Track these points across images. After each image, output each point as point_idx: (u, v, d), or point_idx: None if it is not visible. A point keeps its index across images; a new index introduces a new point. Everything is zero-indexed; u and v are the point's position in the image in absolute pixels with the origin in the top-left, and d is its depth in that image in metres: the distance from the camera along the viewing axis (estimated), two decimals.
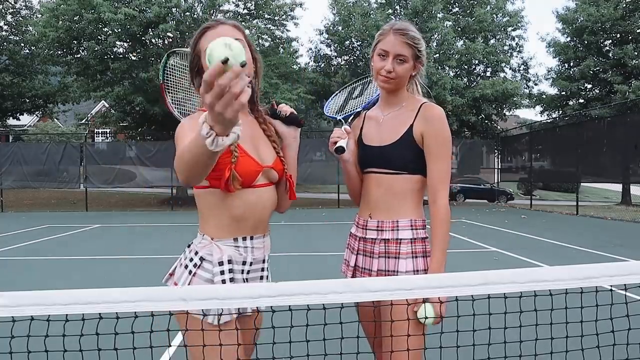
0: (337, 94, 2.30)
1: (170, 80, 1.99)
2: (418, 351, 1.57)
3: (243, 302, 1.13)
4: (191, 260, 1.57)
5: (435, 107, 1.82)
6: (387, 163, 1.82)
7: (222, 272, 1.51)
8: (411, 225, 1.79)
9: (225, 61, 0.94)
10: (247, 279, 1.58)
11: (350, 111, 2.10)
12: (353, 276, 1.85)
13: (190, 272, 1.54)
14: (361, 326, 1.88)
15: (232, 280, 1.53)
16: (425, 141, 1.78)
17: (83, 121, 28.02)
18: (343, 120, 2.04)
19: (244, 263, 1.56)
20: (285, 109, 1.77)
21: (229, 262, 1.54)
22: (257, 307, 1.55)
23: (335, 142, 1.85)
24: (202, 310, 1.43)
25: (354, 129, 2.01)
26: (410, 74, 1.86)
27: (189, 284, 1.52)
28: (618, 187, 21.79)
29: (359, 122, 2.02)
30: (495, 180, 21.71)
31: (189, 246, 1.62)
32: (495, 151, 21.62)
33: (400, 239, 1.78)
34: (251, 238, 1.59)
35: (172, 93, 1.98)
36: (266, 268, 1.67)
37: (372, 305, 1.75)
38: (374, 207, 1.84)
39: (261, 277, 1.64)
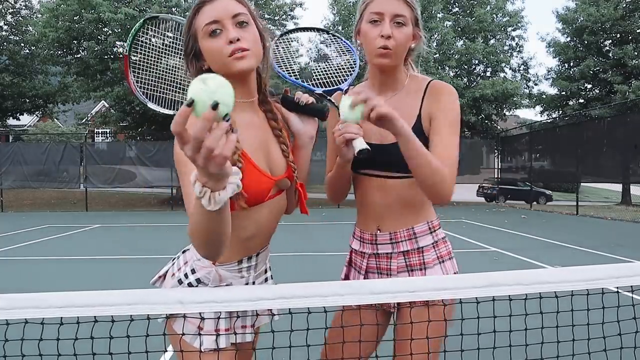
0: (276, 46, 1.64)
1: (142, 54, 1.55)
2: (437, 354, 1.43)
3: (241, 305, 1.10)
4: (186, 276, 1.36)
5: (443, 84, 1.50)
6: (393, 165, 1.47)
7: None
8: (429, 229, 1.55)
9: (190, 104, 0.77)
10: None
11: (330, 83, 1.56)
12: None
13: (180, 280, 1.37)
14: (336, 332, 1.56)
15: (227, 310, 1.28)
16: (433, 118, 1.46)
17: (83, 121, 28.02)
18: (327, 101, 1.51)
19: (246, 284, 1.38)
20: (305, 97, 1.40)
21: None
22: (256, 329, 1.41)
23: (351, 140, 1.35)
24: (199, 335, 1.28)
25: (334, 113, 1.51)
26: (409, 45, 1.50)
27: None
28: (618, 187, 21.78)
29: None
30: (495, 176, 21.70)
31: (184, 252, 1.43)
32: (495, 151, 21.61)
33: (422, 247, 1.52)
34: (257, 255, 1.39)
35: (140, 71, 1.55)
36: (270, 276, 1.50)
37: (375, 308, 1.55)
38: (381, 218, 1.54)
39: None
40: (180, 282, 1.36)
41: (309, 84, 1.56)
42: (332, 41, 1.68)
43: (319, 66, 1.62)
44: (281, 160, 1.36)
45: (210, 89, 0.80)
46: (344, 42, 1.67)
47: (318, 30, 1.74)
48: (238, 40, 1.22)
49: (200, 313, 1.27)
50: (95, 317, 1.12)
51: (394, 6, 1.42)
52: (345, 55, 1.64)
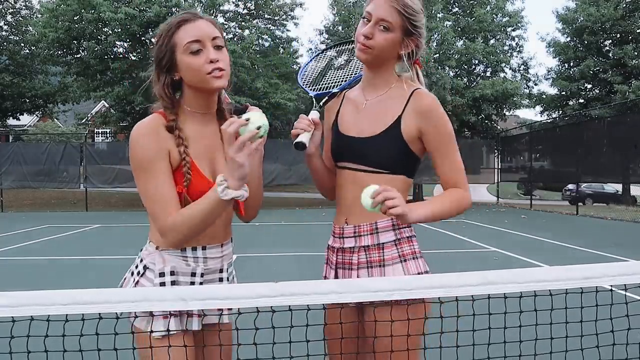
0: (316, 56, 1.87)
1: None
2: (417, 351, 1.45)
3: (242, 302, 1.13)
4: (136, 267, 1.49)
5: (428, 97, 1.55)
6: (365, 159, 1.54)
7: (162, 284, 1.41)
8: (392, 225, 1.53)
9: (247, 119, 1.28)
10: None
11: (328, 87, 1.74)
12: None
13: (134, 279, 1.47)
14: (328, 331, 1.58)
15: None
16: (427, 139, 1.52)
17: (83, 121, 28.03)
18: (315, 100, 1.67)
19: (193, 274, 1.45)
20: (295, 131, 1.53)
21: (173, 273, 1.42)
22: (221, 320, 1.50)
23: (297, 135, 1.54)
24: (151, 324, 1.36)
25: (329, 110, 1.70)
26: (397, 51, 1.54)
27: None
28: (618, 187, 21.78)
29: (336, 104, 1.69)
30: (496, 180, 21.71)
31: (142, 250, 1.53)
32: (495, 151, 21.62)
33: (382, 244, 1.52)
34: (203, 248, 1.47)
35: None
36: (226, 278, 1.53)
37: (357, 306, 1.54)
38: (349, 210, 1.56)
39: None
40: (132, 274, 1.49)
41: (310, 89, 1.75)
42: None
43: (336, 73, 1.78)
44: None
45: (260, 118, 1.29)
46: None
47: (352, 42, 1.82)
48: (217, 61, 1.39)
49: (151, 324, 1.39)
50: (100, 314, 1.15)
51: (382, 11, 1.49)
52: (344, 70, 1.77)
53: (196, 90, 1.44)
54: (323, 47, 23.26)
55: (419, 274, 1.51)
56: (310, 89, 1.75)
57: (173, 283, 1.42)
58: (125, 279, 1.52)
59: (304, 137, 1.53)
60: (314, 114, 1.60)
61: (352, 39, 1.72)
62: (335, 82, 1.75)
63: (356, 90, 1.67)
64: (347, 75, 1.77)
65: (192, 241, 1.44)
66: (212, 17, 17.93)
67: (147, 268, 1.46)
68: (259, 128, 1.25)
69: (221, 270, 1.52)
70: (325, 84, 1.76)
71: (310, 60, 1.88)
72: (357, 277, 1.52)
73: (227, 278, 1.54)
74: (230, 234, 1.58)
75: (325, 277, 1.65)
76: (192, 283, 1.44)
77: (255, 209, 1.59)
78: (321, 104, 1.66)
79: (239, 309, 1.25)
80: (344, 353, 1.53)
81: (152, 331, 1.35)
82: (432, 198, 1.57)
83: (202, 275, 1.46)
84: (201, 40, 1.38)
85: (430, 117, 1.52)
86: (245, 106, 1.53)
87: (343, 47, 1.86)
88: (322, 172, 1.67)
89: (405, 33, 1.52)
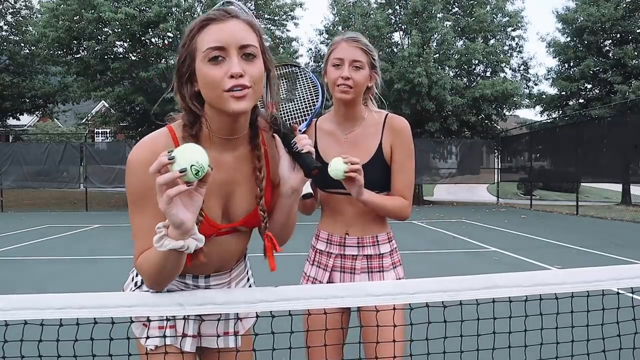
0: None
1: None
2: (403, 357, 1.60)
3: (241, 307, 1.10)
4: (137, 274, 1.38)
5: (401, 119, 1.82)
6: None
7: None
8: (388, 238, 1.84)
9: (171, 158, 0.96)
10: (200, 315, 1.31)
11: (291, 122, 1.75)
12: None
13: (131, 289, 1.38)
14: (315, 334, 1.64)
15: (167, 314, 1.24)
16: (394, 153, 1.78)
17: (83, 121, 28.00)
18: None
19: None
20: (303, 143, 1.23)
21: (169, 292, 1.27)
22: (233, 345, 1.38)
23: None
24: (147, 335, 1.30)
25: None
26: (367, 84, 1.79)
27: None
28: (618, 187, 21.76)
29: (310, 136, 1.81)
30: (496, 180, 21.68)
31: None
32: (495, 151, 21.59)
33: (382, 254, 1.81)
34: (206, 277, 1.33)
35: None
36: None
37: (341, 311, 1.72)
38: (349, 224, 1.81)
39: (220, 314, 1.33)
40: (132, 279, 1.41)
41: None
42: (299, 75, 1.79)
43: (287, 106, 1.76)
44: (245, 204, 1.26)
45: (189, 157, 0.96)
46: (309, 74, 1.80)
47: (287, 65, 1.85)
48: (241, 76, 1.08)
49: (166, 317, 1.29)
50: (95, 318, 1.12)
51: (352, 53, 1.72)
52: (310, 89, 1.76)
53: (216, 110, 1.15)
54: (323, 47, 23.29)
55: (403, 277, 1.83)
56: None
57: None
58: (126, 283, 1.45)
59: (308, 188, 1.63)
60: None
61: (286, 64, 1.82)
62: (296, 117, 1.73)
63: (328, 124, 1.85)
64: (304, 108, 1.75)
65: (192, 271, 1.30)
66: None
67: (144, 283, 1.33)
68: (183, 171, 0.94)
69: None
70: (287, 120, 1.74)
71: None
72: (359, 280, 1.77)
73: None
74: (244, 254, 1.45)
75: (315, 279, 1.85)
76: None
77: (280, 243, 1.32)
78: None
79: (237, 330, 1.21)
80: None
81: (148, 337, 1.31)
82: (380, 194, 1.78)
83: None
84: (225, 48, 1.09)
85: (402, 134, 1.79)
86: (293, 127, 1.29)
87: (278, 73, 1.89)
88: (310, 204, 1.84)
89: (371, 67, 1.78)
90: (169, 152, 0.95)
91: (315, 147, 1.78)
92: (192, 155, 0.96)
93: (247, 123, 1.23)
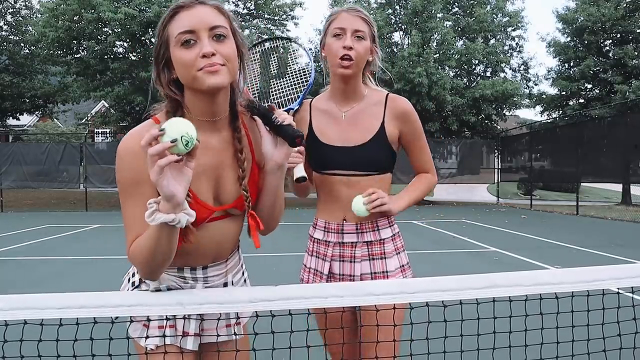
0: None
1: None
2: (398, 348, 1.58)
3: (241, 306, 1.10)
4: (133, 275, 1.39)
5: (403, 100, 1.76)
6: (358, 165, 1.70)
7: None
8: (389, 223, 1.76)
9: (161, 130, 0.99)
10: (201, 315, 1.33)
11: (283, 102, 1.79)
12: None
13: (129, 289, 1.38)
14: (322, 333, 1.68)
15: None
16: (408, 139, 1.75)
17: (83, 121, 28.00)
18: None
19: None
20: (282, 116, 1.27)
21: (169, 289, 1.29)
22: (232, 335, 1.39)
23: (291, 168, 1.59)
24: (146, 334, 1.30)
25: (298, 122, 1.74)
26: (367, 58, 1.72)
27: None
28: (618, 187, 21.75)
29: (305, 115, 1.78)
30: (496, 180, 21.69)
31: None
32: (495, 151, 21.59)
33: (383, 239, 1.74)
34: (204, 268, 1.35)
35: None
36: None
37: (342, 310, 1.59)
38: (346, 209, 1.70)
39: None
40: (129, 280, 1.40)
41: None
42: (290, 50, 1.84)
43: (278, 83, 1.79)
44: (234, 187, 1.30)
45: (179, 129, 0.99)
46: (301, 46, 1.85)
47: (276, 39, 1.89)
48: (213, 55, 1.15)
49: (166, 316, 1.29)
50: (94, 318, 1.12)
51: (354, 22, 1.64)
52: (300, 63, 1.82)
53: (194, 92, 1.21)
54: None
55: (407, 263, 1.78)
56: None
57: None
58: (123, 284, 1.45)
59: (301, 171, 1.58)
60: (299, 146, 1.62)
61: (272, 36, 1.86)
62: (288, 94, 1.80)
63: (324, 101, 1.78)
64: (295, 84, 1.80)
65: (188, 263, 1.31)
66: None
67: (143, 282, 1.35)
68: (174, 141, 0.98)
69: (225, 284, 1.40)
70: (279, 98, 1.81)
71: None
72: (360, 269, 1.70)
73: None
74: (237, 245, 1.47)
75: (314, 270, 1.79)
76: None
77: (270, 225, 1.38)
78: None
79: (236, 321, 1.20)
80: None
81: (147, 336, 1.31)
82: (407, 187, 1.81)
83: None
84: (195, 31, 1.15)
85: (408, 119, 1.74)
86: (270, 107, 1.29)
87: (265, 47, 1.86)
88: (309, 186, 1.79)
89: (372, 40, 1.71)
90: (159, 125, 1.00)
91: (310, 127, 1.75)
92: (182, 127, 0.99)
93: (227, 105, 1.28)
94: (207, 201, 1.27)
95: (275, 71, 1.74)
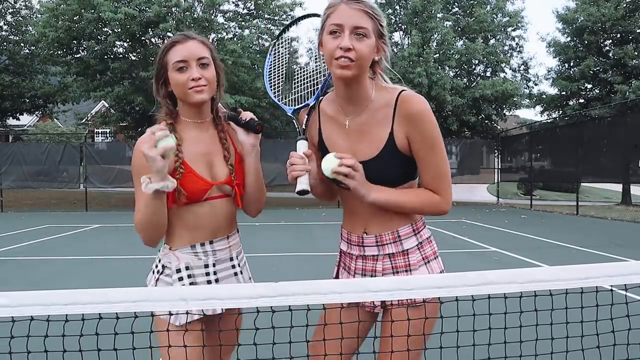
0: (274, 50, 1.83)
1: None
2: (419, 351, 1.46)
3: (243, 302, 1.13)
4: (156, 266, 1.70)
5: (414, 100, 1.46)
6: (370, 182, 1.48)
7: (180, 279, 1.61)
8: (413, 231, 1.56)
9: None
10: (217, 279, 1.65)
11: (302, 97, 1.67)
12: None
13: (155, 277, 1.67)
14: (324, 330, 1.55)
15: (193, 284, 1.61)
16: (413, 146, 1.48)
17: (83, 121, 28.00)
18: (295, 122, 1.65)
19: (205, 266, 1.64)
20: (246, 115, 1.69)
21: (187, 268, 1.62)
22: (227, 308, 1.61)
23: (296, 177, 1.48)
24: (169, 311, 1.49)
25: (310, 125, 1.62)
26: (372, 58, 1.45)
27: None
28: (618, 187, 21.76)
29: (314, 119, 1.62)
30: (496, 180, 21.70)
31: (159, 251, 1.72)
32: (495, 151, 21.60)
33: (407, 250, 1.55)
34: (210, 242, 1.65)
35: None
36: (237, 264, 1.72)
37: (357, 307, 1.58)
38: (366, 222, 1.57)
39: (235, 274, 1.70)
40: (153, 272, 1.69)
41: (283, 103, 1.73)
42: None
43: (302, 74, 1.72)
44: (224, 169, 1.67)
45: (161, 145, 1.41)
46: None
47: (313, 15, 1.70)
48: (199, 79, 1.58)
49: (169, 311, 1.50)
50: (100, 314, 1.15)
51: (354, 18, 1.38)
52: (306, 69, 1.74)
53: (185, 102, 1.64)
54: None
55: (440, 272, 1.60)
56: (284, 102, 1.71)
57: (190, 277, 1.61)
58: (148, 276, 1.72)
59: (304, 184, 1.48)
60: (303, 146, 1.54)
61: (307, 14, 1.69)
62: (307, 88, 1.65)
63: (330, 105, 1.59)
64: (314, 77, 1.65)
65: (196, 238, 1.63)
66: (212, 17, 17.95)
67: (165, 267, 1.65)
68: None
69: (231, 259, 1.70)
70: (299, 92, 1.67)
71: (269, 57, 1.82)
72: None
73: (239, 264, 1.72)
74: (236, 227, 1.75)
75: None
76: (207, 274, 1.63)
77: (256, 205, 1.75)
78: (303, 125, 1.62)
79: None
80: (344, 353, 1.54)
81: (171, 314, 1.52)
82: (397, 189, 1.53)
83: (214, 265, 1.65)
84: (187, 60, 1.58)
85: (417, 123, 1.46)
86: (238, 112, 1.70)
87: (281, 47, 1.80)
88: (323, 189, 1.64)
89: (378, 36, 1.45)
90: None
91: (320, 135, 1.59)
92: (163, 144, 1.40)
93: (209, 111, 1.71)
94: (206, 178, 1.63)
95: (300, 61, 1.75)
